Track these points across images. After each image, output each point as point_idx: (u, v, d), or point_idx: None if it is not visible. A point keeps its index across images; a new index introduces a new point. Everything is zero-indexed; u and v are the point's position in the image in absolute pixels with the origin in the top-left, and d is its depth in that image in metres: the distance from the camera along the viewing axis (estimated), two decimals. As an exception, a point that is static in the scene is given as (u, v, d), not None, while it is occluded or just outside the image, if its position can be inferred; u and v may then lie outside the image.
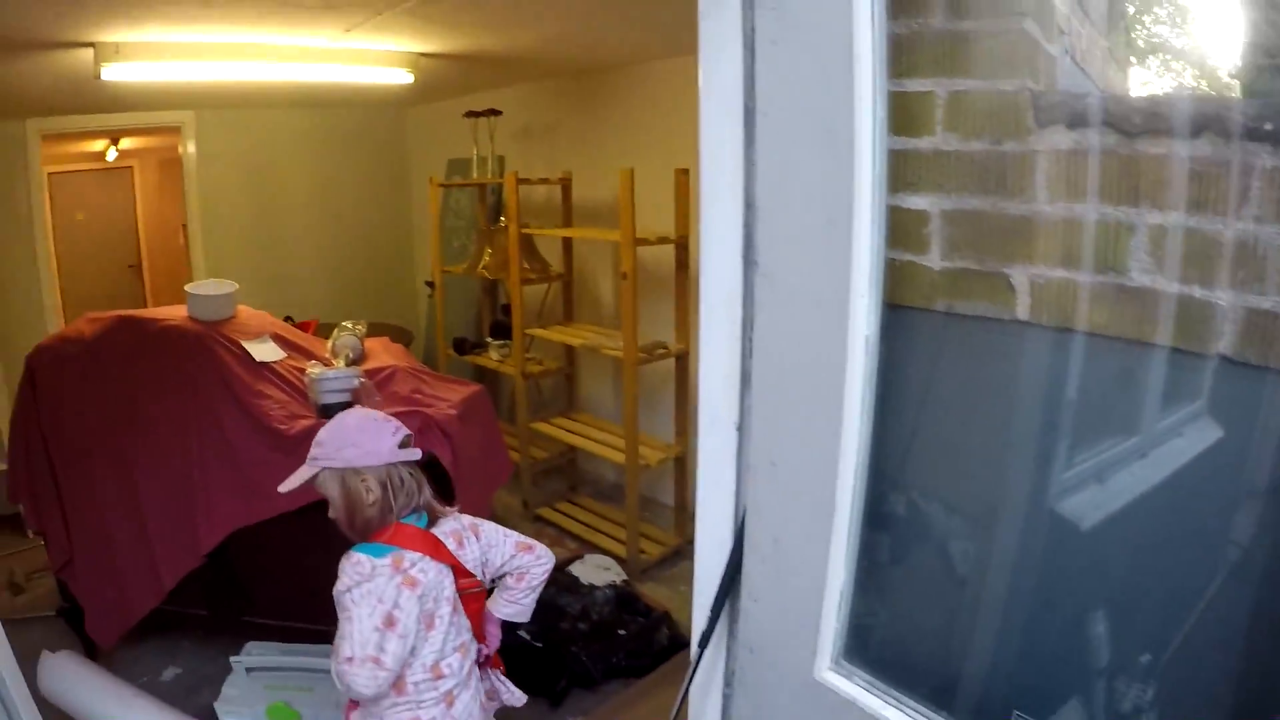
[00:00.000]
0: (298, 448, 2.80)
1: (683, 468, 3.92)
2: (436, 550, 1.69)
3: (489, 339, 4.76)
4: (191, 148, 5.57)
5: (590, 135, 4.58)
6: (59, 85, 3.79)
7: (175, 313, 3.42)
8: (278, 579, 3.14)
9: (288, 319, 5.42)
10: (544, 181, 4.35)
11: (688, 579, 3.64)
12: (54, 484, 3.11)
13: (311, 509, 2.79)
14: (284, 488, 1.71)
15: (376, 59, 3.48)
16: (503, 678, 1.92)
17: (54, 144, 7.30)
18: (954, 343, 1.10)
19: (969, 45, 1.04)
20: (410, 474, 1.74)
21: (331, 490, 1.70)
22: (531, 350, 4.54)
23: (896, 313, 1.06)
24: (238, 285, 3.51)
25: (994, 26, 1.04)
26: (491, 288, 5.11)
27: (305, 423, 2.88)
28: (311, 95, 5.06)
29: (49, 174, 8.10)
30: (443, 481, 2.84)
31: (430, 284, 5.34)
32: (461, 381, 3.52)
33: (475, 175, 4.77)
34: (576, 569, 3.50)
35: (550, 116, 4.88)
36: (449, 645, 1.69)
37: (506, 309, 4.64)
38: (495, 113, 4.58)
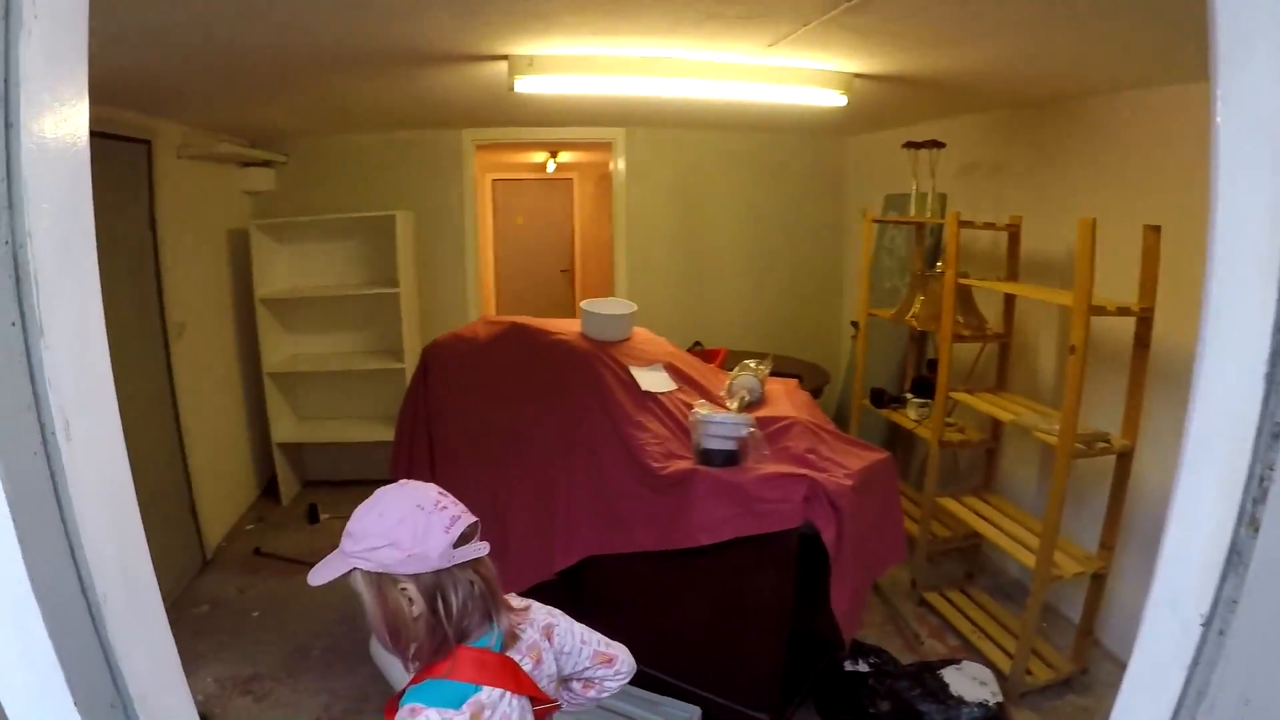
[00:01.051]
0: (669, 490, 2.72)
1: (1100, 586, 3.21)
2: (518, 681, 1.35)
3: (909, 395, 4.40)
4: (621, 164, 5.78)
5: (1043, 177, 3.96)
6: (482, 97, 3.90)
7: (570, 327, 3.42)
8: (628, 615, 2.94)
9: (696, 344, 5.51)
10: (989, 226, 3.86)
11: (1071, 717, 2.98)
12: (430, 471, 3.36)
13: (679, 554, 2.68)
14: (314, 580, 1.35)
15: (805, 78, 3.24)
16: None
17: (499, 153, 8.52)
18: None
19: None
20: (473, 581, 1.35)
21: (366, 596, 1.35)
22: (953, 415, 4.10)
23: None
24: (635, 307, 3.47)
25: None
26: (920, 339, 4.74)
27: (682, 464, 2.78)
28: (741, 117, 5.02)
29: (494, 180, 9.59)
30: (820, 558, 2.55)
31: (855, 325, 5.10)
32: (867, 446, 3.19)
33: (913, 212, 4.44)
34: (949, 675, 3.06)
35: (998, 153, 4.34)
36: None
37: (933, 365, 4.25)
38: (938, 144, 4.20)
